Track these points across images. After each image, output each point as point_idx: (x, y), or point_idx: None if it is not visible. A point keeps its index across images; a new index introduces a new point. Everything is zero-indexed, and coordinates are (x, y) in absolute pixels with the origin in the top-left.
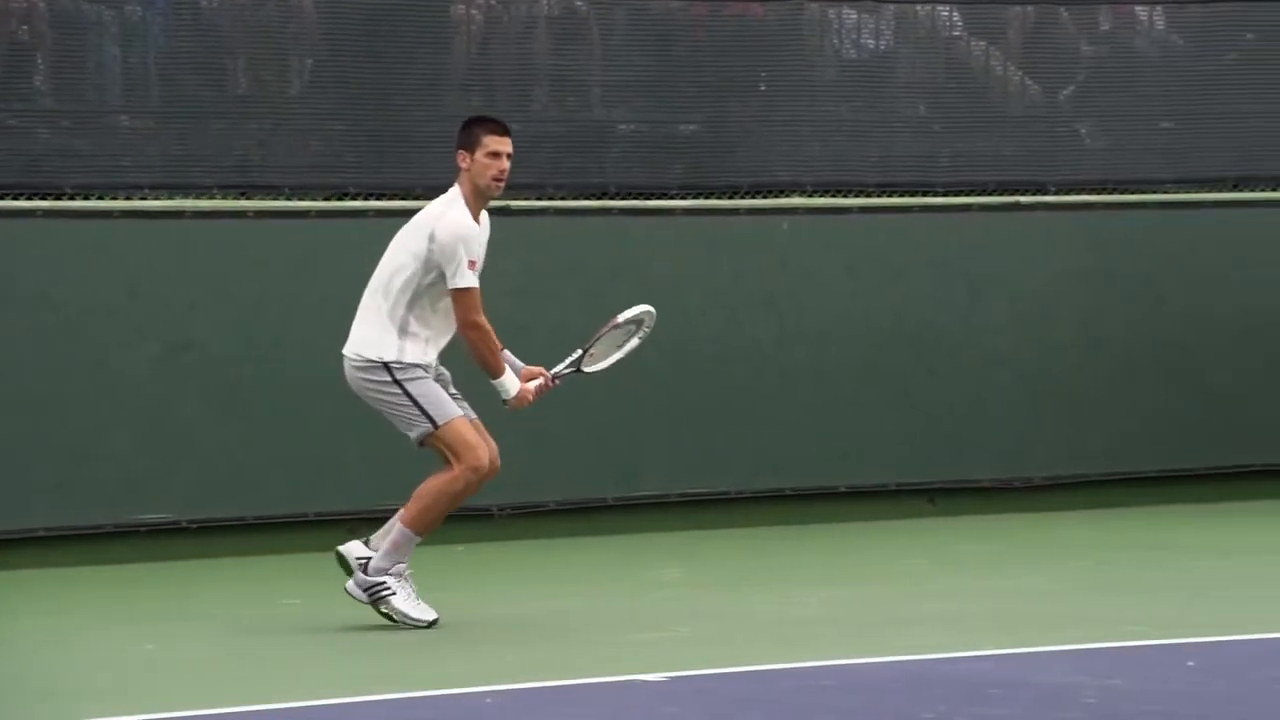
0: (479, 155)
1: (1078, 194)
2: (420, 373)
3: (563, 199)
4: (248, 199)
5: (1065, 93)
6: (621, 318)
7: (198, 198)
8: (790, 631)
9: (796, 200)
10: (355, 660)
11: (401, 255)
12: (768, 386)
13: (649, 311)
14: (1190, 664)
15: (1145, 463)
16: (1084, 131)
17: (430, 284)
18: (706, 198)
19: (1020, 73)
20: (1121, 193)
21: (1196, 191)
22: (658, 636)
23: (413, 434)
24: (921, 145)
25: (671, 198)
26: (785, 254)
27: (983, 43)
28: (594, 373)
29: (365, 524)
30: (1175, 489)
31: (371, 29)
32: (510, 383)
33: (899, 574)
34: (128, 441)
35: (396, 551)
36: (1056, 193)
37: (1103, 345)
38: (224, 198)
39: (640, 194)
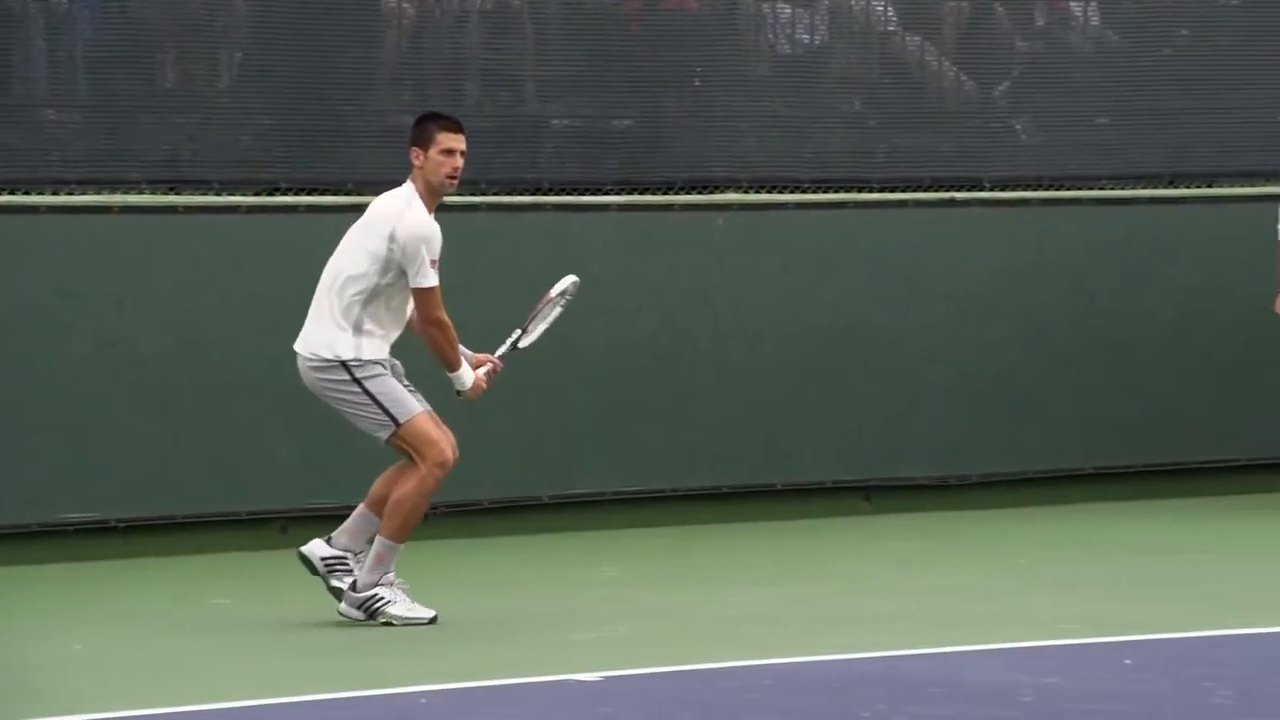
0: (432, 152)
1: (1014, 190)
2: (379, 369)
3: (496, 195)
4: (177, 194)
5: (1000, 88)
6: (554, 291)
7: (126, 193)
8: (727, 630)
9: (732, 196)
10: (287, 660)
11: (357, 254)
12: (703, 384)
13: (575, 281)
14: (1127, 662)
15: (1082, 460)
16: (1019, 127)
17: (388, 284)
18: (641, 194)
19: (955, 68)
20: (1057, 189)
21: (1132, 187)
22: (593, 636)
23: (380, 435)
24: (857, 141)
25: (606, 194)
26: (721, 250)
27: (918, 38)
28: (528, 346)
29: (297, 523)
30: (1112, 486)
31: (301, 22)
32: (467, 374)
33: (836, 572)
34: (55, 440)
35: (381, 564)
36: (992, 189)
37: (1039, 342)
38: (153, 193)
39: (575, 190)
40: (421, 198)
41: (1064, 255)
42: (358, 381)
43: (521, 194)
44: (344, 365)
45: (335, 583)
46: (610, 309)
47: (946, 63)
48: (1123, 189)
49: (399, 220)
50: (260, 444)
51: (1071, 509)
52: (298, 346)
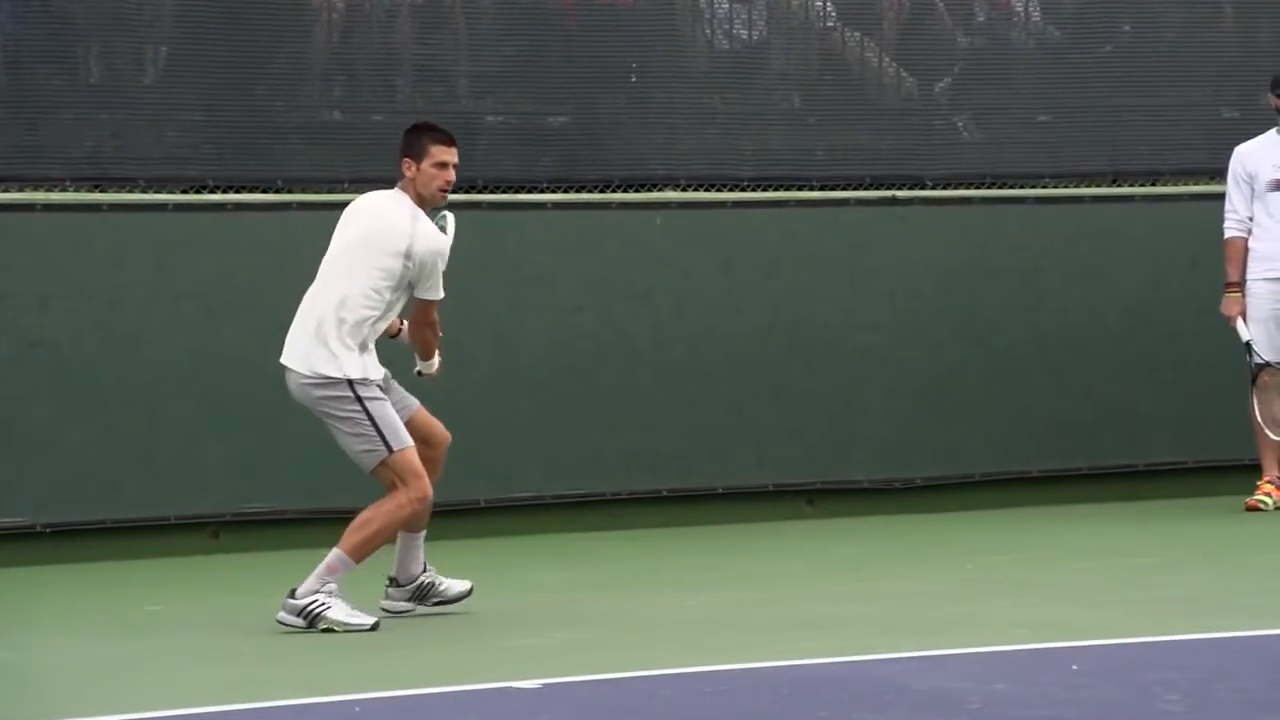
0: (425, 165)
1: (955, 188)
2: (378, 390)
3: None
4: (101, 191)
5: (941, 85)
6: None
7: (49, 190)
8: (669, 636)
9: (670, 194)
10: (219, 668)
11: (369, 274)
12: (643, 385)
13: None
14: (1075, 668)
15: (1027, 463)
16: (961, 125)
17: (397, 299)
18: (578, 191)
19: (895, 65)
20: (999, 187)
21: (1074, 186)
22: (533, 642)
23: (368, 461)
24: (797, 138)
25: (542, 191)
26: (659, 249)
27: (858, 34)
28: None
29: (228, 528)
30: (1059, 489)
31: (229, 15)
32: (436, 359)
33: (779, 577)
34: None
35: (330, 574)
36: (934, 187)
37: (984, 342)
38: (76, 190)
39: (509, 187)
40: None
41: (1007, 254)
42: (360, 401)
43: (455, 192)
44: (350, 384)
45: (433, 602)
46: (549, 309)
47: (887, 59)
48: (1065, 187)
49: (414, 237)
50: (190, 446)
51: (1018, 512)
52: (292, 363)
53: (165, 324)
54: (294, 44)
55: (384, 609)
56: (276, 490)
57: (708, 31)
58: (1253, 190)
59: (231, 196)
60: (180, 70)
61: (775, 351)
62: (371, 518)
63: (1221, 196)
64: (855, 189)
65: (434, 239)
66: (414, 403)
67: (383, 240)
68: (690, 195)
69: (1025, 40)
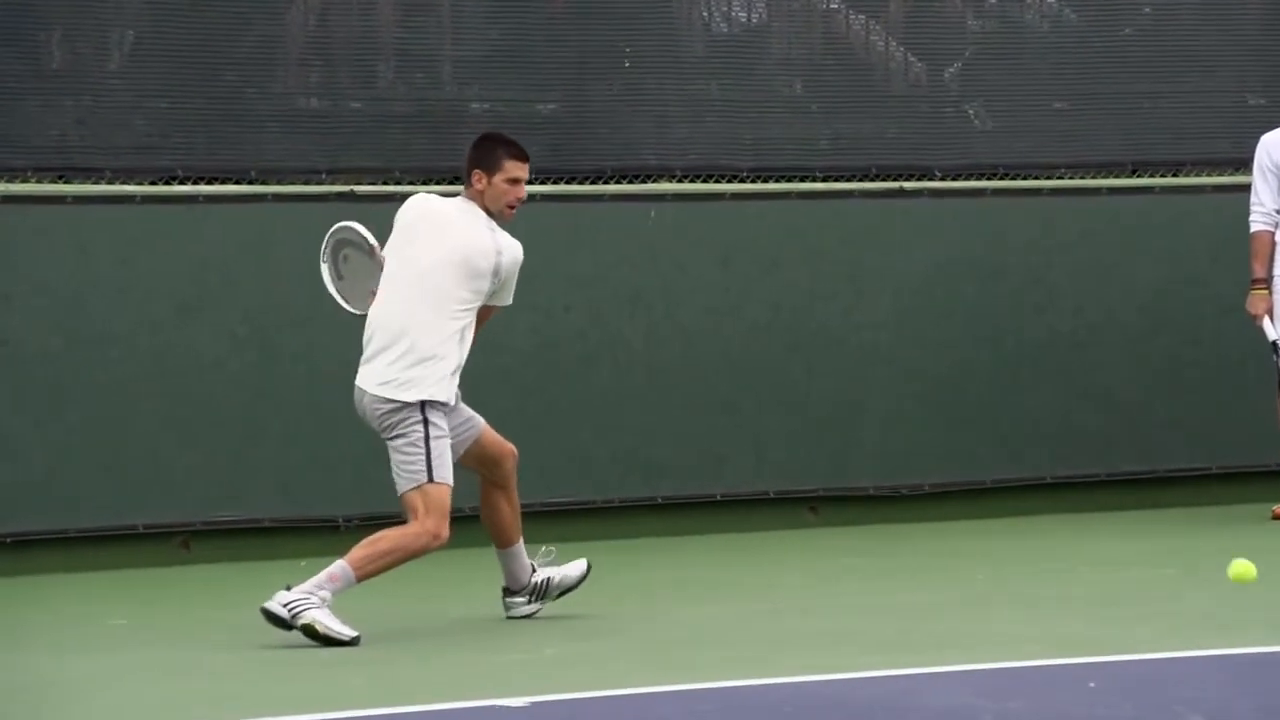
0: (498, 179)
1: (965, 179)
2: (441, 417)
3: (411, 183)
4: (66, 183)
5: (951, 71)
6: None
7: (10, 181)
8: (663, 652)
9: (665, 186)
10: (189, 684)
11: (462, 295)
12: (635, 388)
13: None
14: (1092, 685)
15: (1041, 469)
16: (971, 112)
17: (475, 314)
18: (567, 183)
19: (903, 49)
20: (1012, 178)
21: (1092, 177)
22: (521, 657)
23: (406, 482)
24: (798, 127)
25: (530, 181)
26: (653, 244)
27: (862, 17)
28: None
29: (199, 537)
30: (1073, 497)
31: None
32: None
33: (779, 589)
34: None
35: (331, 583)
36: (943, 178)
37: (994, 342)
38: (39, 181)
39: None
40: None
41: (1020, 249)
42: (426, 424)
43: (439, 182)
44: (422, 406)
45: (555, 596)
46: (535, 307)
47: (894, 43)
48: (1082, 178)
49: (500, 252)
50: (159, 452)
51: (1031, 521)
52: (368, 385)
53: (133, 323)
54: (268, 27)
55: (510, 617)
56: (250, 498)
57: (704, 14)
58: (1279, 181)
59: (203, 188)
60: (148, 55)
61: (775, 351)
62: (384, 537)
63: (1246, 188)
64: (860, 180)
65: (516, 250)
66: (480, 422)
67: (473, 262)
68: (686, 187)
69: (1039, 23)
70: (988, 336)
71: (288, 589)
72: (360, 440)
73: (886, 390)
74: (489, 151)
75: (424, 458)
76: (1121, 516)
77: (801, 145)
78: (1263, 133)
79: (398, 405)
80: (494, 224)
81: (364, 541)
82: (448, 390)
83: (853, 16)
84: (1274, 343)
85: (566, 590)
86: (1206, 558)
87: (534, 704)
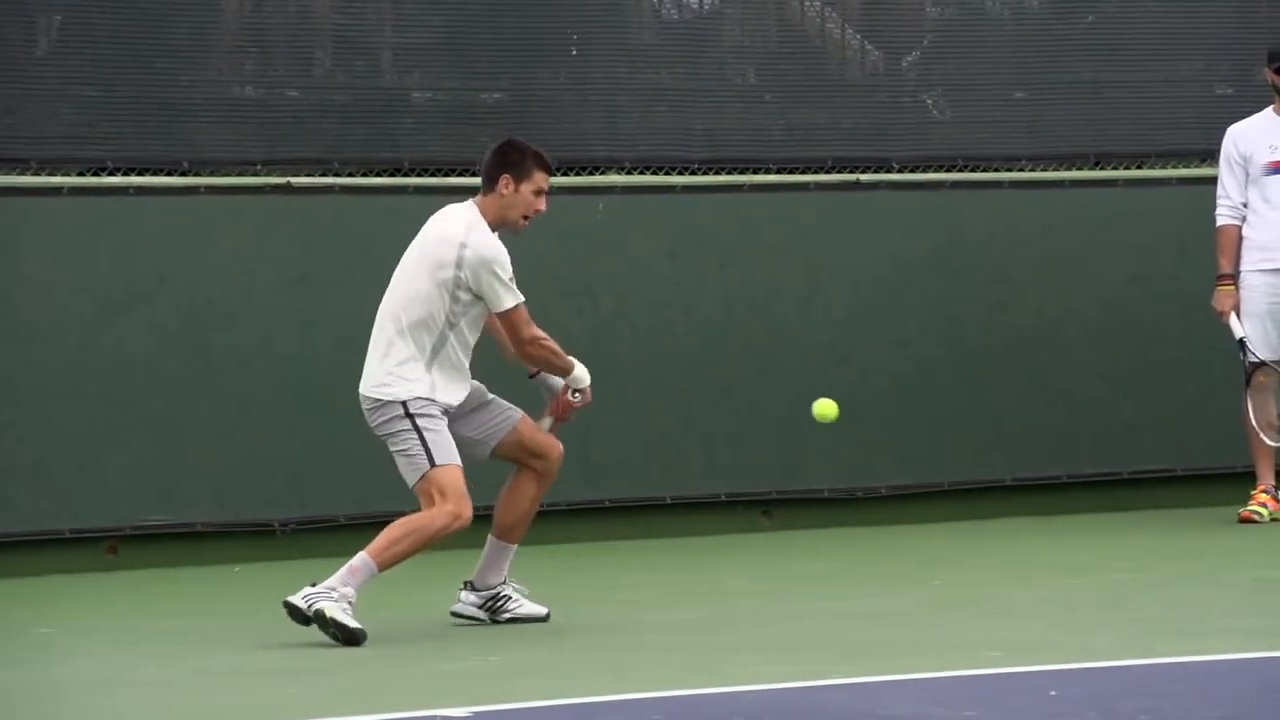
0: (525, 188)
1: (924, 171)
2: (436, 411)
3: (350, 176)
4: None
5: (909, 59)
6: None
7: None
8: (611, 659)
9: (614, 178)
10: (118, 697)
11: (424, 288)
12: None
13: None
14: (1053, 693)
15: (1001, 471)
16: (930, 102)
17: (463, 312)
18: None
19: (860, 37)
20: (972, 170)
21: (1053, 169)
22: (463, 665)
23: (411, 475)
24: (752, 117)
25: (474, 174)
26: (601, 238)
27: (818, 3)
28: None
29: (128, 542)
30: (1035, 500)
31: None
32: (582, 371)
33: (731, 595)
34: None
35: (352, 576)
36: (901, 170)
37: (954, 340)
38: None
39: (438, 170)
40: (486, 214)
41: (980, 244)
42: (411, 418)
43: (379, 175)
44: (403, 405)
45: (505, 617)
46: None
47: (850, 31)
48: (1043, 170)
49: (464, 247)
50: (86, 454)
51: (990, 525)
52: (362, 388)
53: (59, 319)
54: (202, 12)
55: (453, 613)
56: (181, 501)
57: (655, 0)
58: (1247, 174)
59: (133, 179)
60: (76, 41)
61: (728, 349)
62: (400, 524)
63: (1213, 180)
64: (815, 172)
65: (485, 247)
66: (515, 416)
67: (432, 251)
68: (635, 179)
69: (1000, 10)
70: (947, 334)
71: (313, 585)
72: (297, 441)
73: (843, 389)
74: (521, 160)
75: (420, 447)
76: (1084, 520)
77: (755, 136)
78: (1230, 124)
79: (380, 404)
80: (479, 225)
81: (383, 533)
82: (429, 387)
83: (808, 3)
84: (1241, 340)
85: (516, 620)
86: (1171, 562)
87: (476, 714)
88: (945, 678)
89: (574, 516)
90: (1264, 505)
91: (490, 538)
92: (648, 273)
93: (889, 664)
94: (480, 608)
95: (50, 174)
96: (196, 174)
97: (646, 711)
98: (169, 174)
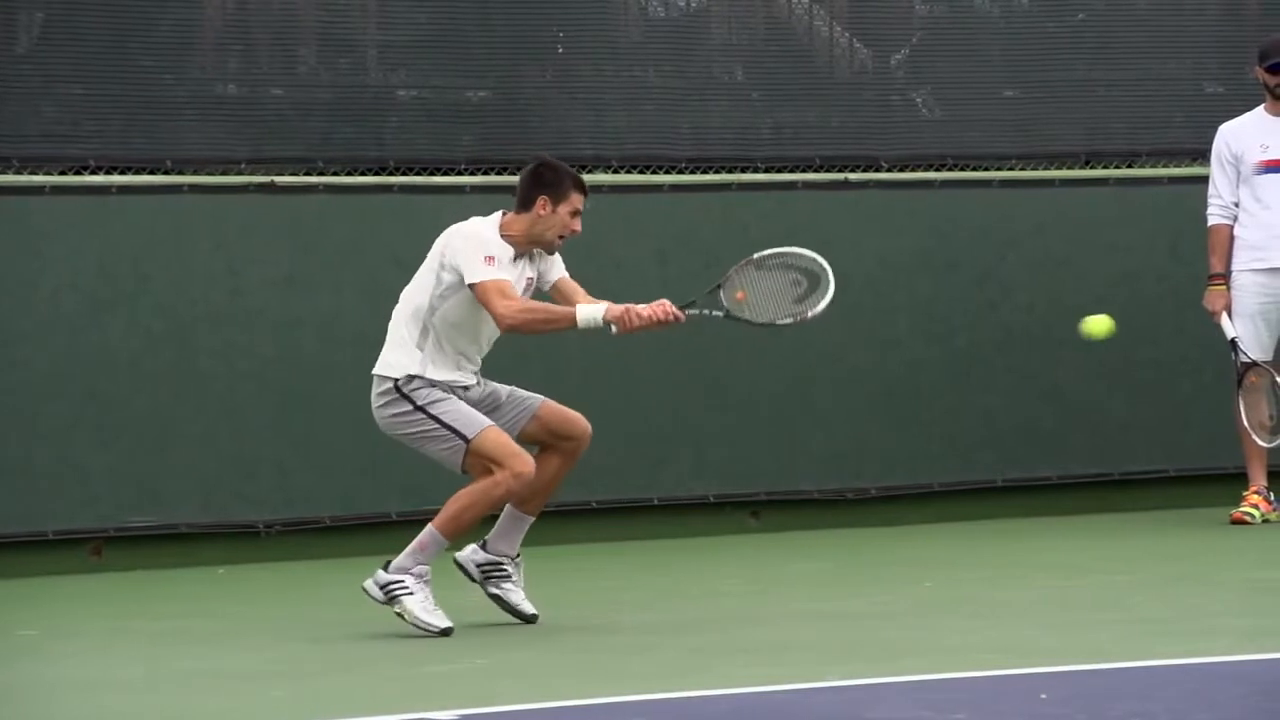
0: (562, 209)
1: (913, 170)
2: (437, 392)
3: (335, 174)
4: None
5: (898, 57)
6: (760, 255)
7: None
8: (598, 661)
9: (601, 177)
10: (103, 699)
11: (423, 278)
12: (569, 388)
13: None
14: (1043, 696)
15: (991, 472)
16: (920, 100)
17: (446, 296)
18: (499, 173)
19: (848, 34)
20: (961, 169)
21: (1044, 168)
22: (451, 668)
23: (453, 459)
24: (739, 116)
25: (460, 173)
26: (588, 237)
27: (806, 1)
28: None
29: (112, 544)
30: (1024, 501)
31: None
32: (591, 310)
33: (719, 597)
34: None
35: (422, 552)
36: (890, 169)
37: (943, 340)
38: None
39: (424, 169)
40: (510, 237)
41: (970, 243)
42: (414, 405)
43: (364, 173)
44: (397, 389)
45: (492, 589)
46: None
47: (838, 28)
48: (1034, 169)
49: (454, 233)
50: (70, 454)
51: (981, 526)
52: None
53: (42, 319)
54: (185, 9)
55: (455, 557)
56: (165, 502)
57: None
58: (1239, 173)
59: (116, 178)
60: (58, 38)
61: (715, 350)
62: (462, 495)
63: (1204, 179)
64: (804, 171)
65: (470, 226)
66: (535, 403)
67: (436, 244)
68: (622, 178)
69: (990, 8)
70: (937, 334)
71: (385, 567)
72: (282, 442)
73: (832, 390)
74: (559, 181)
75: (441, 428)
76: (1075, 521)
77: (743, 134)
78: (1221, 122)
79: (382, 397)
80: (489, 224)
81: (447, 505)
82: (420, 365)
83: (796, 1)
84: (1233, 340)
85: (502, 603)
86: (1163, 564)
87: (462, 717)
88: (935, 680)
89: (562, 518)
90: (1256, 506)
91: (508, 505)
92: (634, 273)
93: (878, 666)
94: (479, 567)
95: (32, 173)
96: (180, 173)
97: (634, 714)
98: (152, 173)
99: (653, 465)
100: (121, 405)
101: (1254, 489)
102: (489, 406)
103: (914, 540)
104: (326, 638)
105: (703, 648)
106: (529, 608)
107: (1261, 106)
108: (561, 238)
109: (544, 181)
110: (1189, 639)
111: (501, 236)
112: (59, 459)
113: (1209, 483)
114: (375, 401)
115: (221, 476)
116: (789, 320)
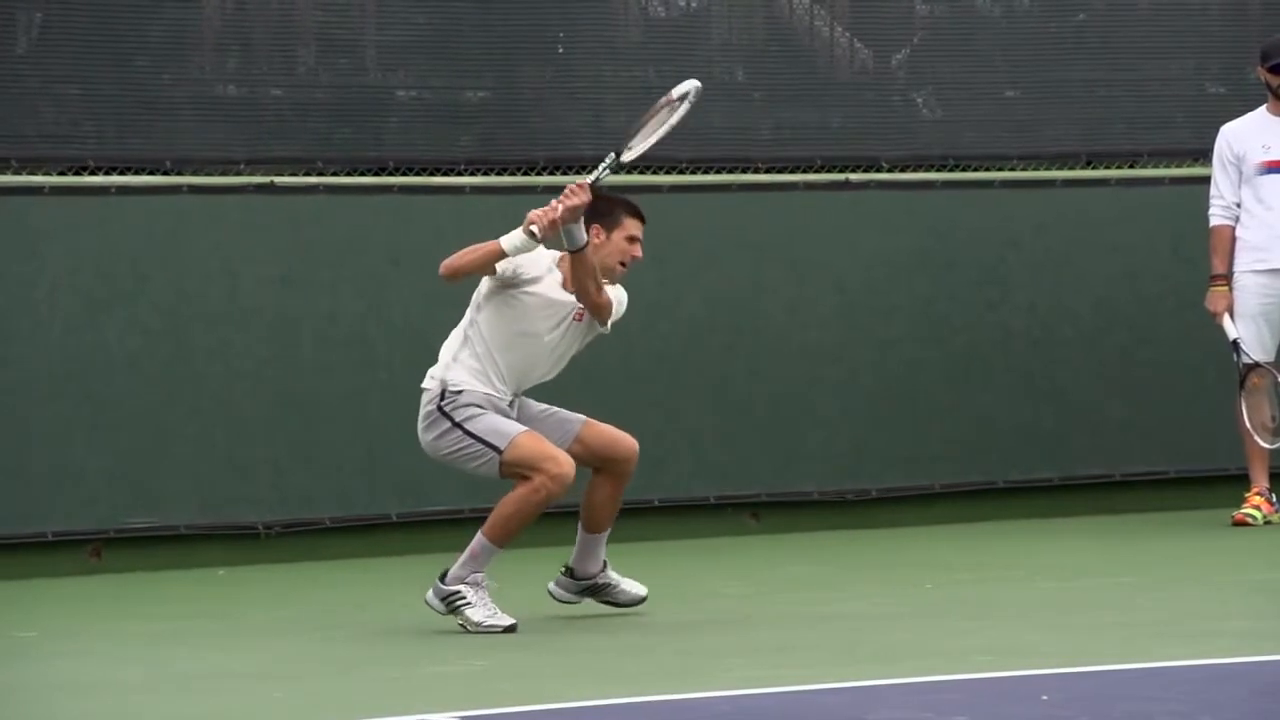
0: (617, 236)
1: (913, 171)
2: (474, 410)
3: (334, 175)
4: None
5: (899, 57)
6: (675, 92)
7: None
8: (597, 663)
9: None
10: (102, 701)
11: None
12: (568, 388)
13: (697, 87)
14: (1044, 698)
15: (992, 473)
16: (920, 101)
17: (483, 306)
18: (499, 174)
19: (849, 35)
20: (962, 170)
21: (1045, 168)
22: (450, 670)
23: (489, 472)
24: (739, 116)
25: (459, 173)
26: None
27: (806, 1)
28: (636, 156)
29: (111, 545)
30: (1025, 502)
31: None
32: (514, 232)
33: (719, 598)
34: None
35: (474, 560)
36: (890, 169)
37: (943, 341)
38: None
39: (423, 169)
40: (565, 266)
41: (971, 244)
42: (452, 422)
43: (364, 174)
44: (439, 408)
45: (601, 600)
46: (461, 304)
47: (839, 29)
48: (1035, 170)
49: None
50: (69, 455)
51: (982, 527)
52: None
53: (41, 319)
54: (184, 9)
55: (550, 593)
56: (164, 503)
57: None
58: (1240, 173)
59: (114, 179)
60: (57, 38)
61: (715, 350)
62: (507, 501)
63: (1206, 180)
64: (804, 171)
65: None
66: (576, 425)
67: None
68: (621, 179)
69: (990, 8)
70: (937, 335)
71: (442, 578)
72: (281, 443)
73: (832, 391)
74: (609, 209)
75: (476, 443)
76: (1076, 522)
77: (743, 135)
78: (1223, 122)
79: (424, 418)
80: (545, 254)
81: (494, 512)
82: (456, 375)
83: (796, 1)
84: (1234, 341)
85: (617, 604)
86: (1164, 566)
87: (460, 718)
88: (936, 681)
89: (561, 520)
90: (1258, 508)
91: (579, 529)
92: (634, 273)
93: (879, 668)
94: (577, 593)
95: (31, 173)
96: (179, 173)
97: (633, 716)
98: (151, 173)
99: (652, 466)
100: (119, 406)
101: (1256, 490)
102: (531, 419)
103: (914, 541)
104: (325, 639)
105: (702, 649)
106: (639, 589)
107: (1263, 107)
108: (624, 264)
109: (596, 211)
110: (1190, 640)
111: (559, 267)
112: (57, 460)
113: (1210, 484)
114: (420, 425)
115: (220, 477)
116: (663, 116)
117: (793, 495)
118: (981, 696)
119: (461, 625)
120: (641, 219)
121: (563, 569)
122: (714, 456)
